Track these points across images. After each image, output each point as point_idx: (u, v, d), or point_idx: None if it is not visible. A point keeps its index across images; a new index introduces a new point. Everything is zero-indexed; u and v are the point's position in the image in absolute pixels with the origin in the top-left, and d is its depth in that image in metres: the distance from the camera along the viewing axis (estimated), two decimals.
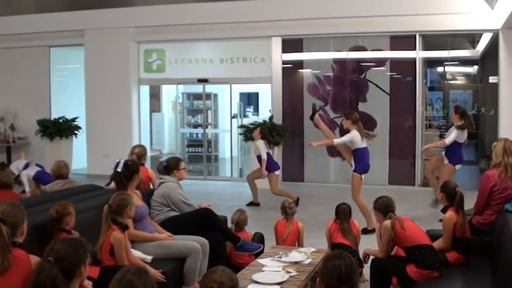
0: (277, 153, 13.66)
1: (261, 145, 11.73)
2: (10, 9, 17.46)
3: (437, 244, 6.03)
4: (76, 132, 16.38)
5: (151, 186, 8.60)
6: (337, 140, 10.08)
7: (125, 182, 6.44)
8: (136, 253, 5.94)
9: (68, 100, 17.47)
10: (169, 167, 7.49)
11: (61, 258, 3.63)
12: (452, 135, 10.36)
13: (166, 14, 15.75)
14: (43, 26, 16.84)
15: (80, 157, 16.62)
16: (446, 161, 10.49)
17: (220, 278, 3.47)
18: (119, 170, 6.46)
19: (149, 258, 6.00)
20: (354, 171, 9.96)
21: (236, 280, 3.57)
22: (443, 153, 10.64)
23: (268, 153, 11.84)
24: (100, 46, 16.46)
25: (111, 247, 5.51)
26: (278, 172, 12.09)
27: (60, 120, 16.20)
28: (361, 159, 9.98)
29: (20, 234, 4.02)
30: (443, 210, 6.23)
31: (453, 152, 10.48)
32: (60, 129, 16.00)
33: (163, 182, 7.36)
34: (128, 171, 6.49)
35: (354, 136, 9.81)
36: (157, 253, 6.15)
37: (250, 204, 12.11)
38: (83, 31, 16.66)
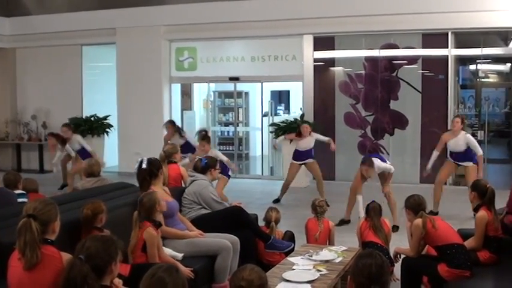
0: None
1: None
2: (43, 8, 17.66)
3: (468, 243, 5.97)
4: (108, 130, 16.54)
5: (182, 184, 8.64)
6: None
7: (148, 178, 6.44)
8: (167, 251, 5.96)
9: (99, 98, 17.61)
10: (208, 165, 7.55)
11: (92, 256, 3.67)
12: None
13: (198, 12, 15.80)
14: (75, 25, 16.99)
15: (111, 155, 16.73)
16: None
17: (249, 276, 3.48)
18: (144, 166, 6.48)
19: (180, 255, 6.03)
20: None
21: (265, 278, 3.57)
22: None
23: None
24: (132, 44, 16.56)
25: (143, 244, 5.56)
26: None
27: (92, 118, 16.34)
28: None
29: (51, 232, 4.03)
30: (476, 209, 6.17)
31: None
32: (91, 127, 16.14)
33: (194, 180, 7.39)
34: (153, 167, 6.51)
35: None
36: (188, 251, 6.17)
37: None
38: (115, 29, 16.78)
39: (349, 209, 10.17)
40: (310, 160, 12.24)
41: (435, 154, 10.85)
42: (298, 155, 12.27)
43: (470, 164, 10.64)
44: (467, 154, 10.65)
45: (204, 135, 11.28)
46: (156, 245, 5.61)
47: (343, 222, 10.01)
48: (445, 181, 11.32)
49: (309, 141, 12.18)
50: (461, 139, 10.59)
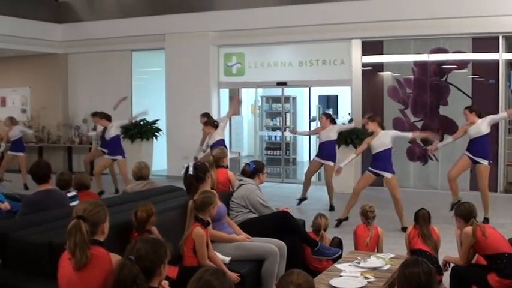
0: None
1: None
2: (94, 15, 17.94)
3: None
4: (156, 134, 16.68)
5: (230, 188, 8.67)
6: None
7: (195, 183, 6.49)
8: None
9: (148, 103, 17.74)
10: (256, 170, 7.57)
11: (142, 257, 3.71)
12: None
13: (245, 18, 15.90)
14: (126, 31, 17.28)
15: (160, 159, 16.90)
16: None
17: (297, 280, 3.47)
18: (191, 172, 6.53)
19: (227, 259, 6.05)
20: None
21: (312, 282, 3.56)
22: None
23: None
24: (181, 50, 16.73)
25: (194, 244, 5.61)
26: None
27: (141, 123, 16.49)
28: None
29: (100, 233, 4.12)
30: None
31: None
32: (141, 131, 16.30)
33: (243, 184, 7.41)
34: (200, 172, 6.56)
35: None
36: (236, 254, 6.20)
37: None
38: (164, 35, 16.98)
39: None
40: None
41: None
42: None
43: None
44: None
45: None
46: (205, 244, 5.66)
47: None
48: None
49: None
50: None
